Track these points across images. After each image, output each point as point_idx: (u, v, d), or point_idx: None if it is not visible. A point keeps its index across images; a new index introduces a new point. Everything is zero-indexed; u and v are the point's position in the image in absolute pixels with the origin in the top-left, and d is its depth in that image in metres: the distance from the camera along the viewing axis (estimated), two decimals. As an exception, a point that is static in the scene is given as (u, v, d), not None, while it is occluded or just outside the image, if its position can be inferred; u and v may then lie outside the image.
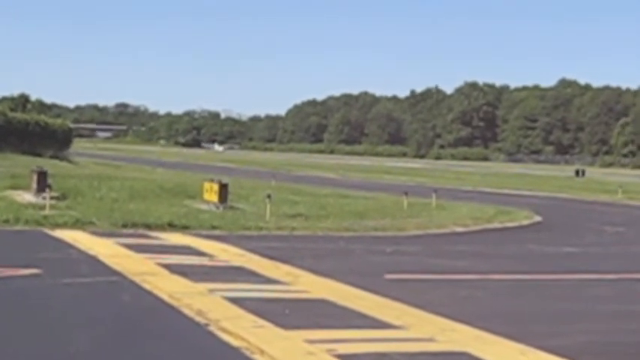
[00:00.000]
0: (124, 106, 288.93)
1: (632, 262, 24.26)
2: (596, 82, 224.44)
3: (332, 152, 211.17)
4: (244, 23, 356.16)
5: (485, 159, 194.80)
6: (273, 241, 24.07)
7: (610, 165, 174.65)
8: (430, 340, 12.33)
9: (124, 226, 25.06)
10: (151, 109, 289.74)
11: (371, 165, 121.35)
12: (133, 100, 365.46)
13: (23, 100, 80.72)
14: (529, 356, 11.58)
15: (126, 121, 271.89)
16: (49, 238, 22.28)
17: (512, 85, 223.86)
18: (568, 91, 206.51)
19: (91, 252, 19.74)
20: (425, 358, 11.21)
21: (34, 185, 30.54)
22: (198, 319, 13.02)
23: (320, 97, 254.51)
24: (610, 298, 17.29)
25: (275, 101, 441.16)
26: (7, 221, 24.27)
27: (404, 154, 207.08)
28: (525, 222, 35.22)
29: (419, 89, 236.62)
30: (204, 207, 31.06)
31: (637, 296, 17.84)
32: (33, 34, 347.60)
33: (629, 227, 36.03)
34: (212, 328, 12.41)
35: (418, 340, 12.30)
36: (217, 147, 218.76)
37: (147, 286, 15.63)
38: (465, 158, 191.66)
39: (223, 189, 31.56)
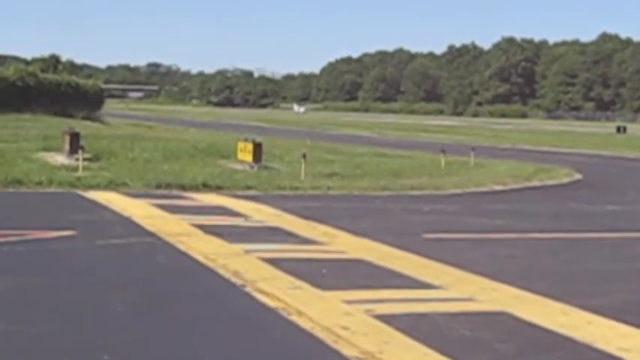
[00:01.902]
0: (156, 65, 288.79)
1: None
2: (638, 37, 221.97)
3: (367, 110, 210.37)
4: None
5: (524, 116, 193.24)
6: (309, 201, 23.94)
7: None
8: (470, 299, 12.15)
9: (158, 186, 24.94)
10: (183, 68, 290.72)
11: (407, 123, 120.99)
12: (165, 60, 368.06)
13: (54, 60, 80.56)
14: (571, 316, 11.35)
15: (158, 81, 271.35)
16: (82, 200, 22.19)
17: (551, 40, 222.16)
18: (609, 46, 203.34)
19: (125, 213, 19.63)
20: (465, 318, 11.00)
21: (67, 147, 30.54)
22: (234, 280, 12.90)
23: (355, 55, 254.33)
24: (653, 257, 16.97)
25: (309, 59, 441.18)
26: (40, 183, 24.20)
27: (440, 112, 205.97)
28: (566, 180, 34.82)
29: (455, 45, 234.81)
30: (238, 167, 30.97)
31: (680, 255, 17.45)
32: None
33: (672, 185, 35.50)
34: (248, 289, 12.28)
35: (458, 300, 12.13)
36: (297, 107, 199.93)
37: (182, 247, 15.51)
38: (503, 115, 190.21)
39: (257, 148, 31.40)
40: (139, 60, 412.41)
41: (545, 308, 11.73)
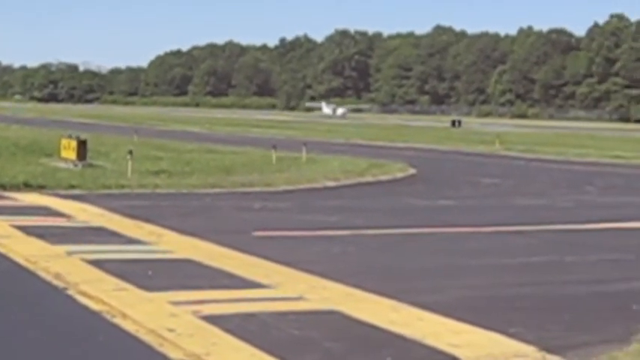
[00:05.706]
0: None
1: (507, 215, 24.08)
2: (473, 29, 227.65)
3: (197, 105, 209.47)
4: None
5: (358, 110, 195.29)
6: (136, 200, 23.57)
7: (487, 114, 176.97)
8: (299, 298, 12.05)
9: (-25, 186, 24.10)
10: (4, 62, 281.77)
11: (238, 118, 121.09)
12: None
13: None
14: (402, 313, 11.35)
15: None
16: None
17: (386, 32, 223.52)
18: (443, 39, 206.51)
19: (-63, 215, 18.93)
20: (294, 318, 10.90)
21: None
22: (55, 282, 12.58)
23: (184, 48, 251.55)
24: (485, 252, 17.22)
25: (137, 52, 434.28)
26: None
27: (273, 106, 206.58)
28: (399, 175, 35.19)
29: (288, 37, 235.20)
30: (62, 165, 30.38)
31: (512, 249, 17.70)
32: None
33: (505, 179, 36.25)
34: (71, 292, 11.99)
35: (287, 299, 12.03)
36: (326, 109, 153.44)
37: (1, 250, 15.02)
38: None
39: (82, 146, 30.88)
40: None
41: (376, 306, 11.70)
